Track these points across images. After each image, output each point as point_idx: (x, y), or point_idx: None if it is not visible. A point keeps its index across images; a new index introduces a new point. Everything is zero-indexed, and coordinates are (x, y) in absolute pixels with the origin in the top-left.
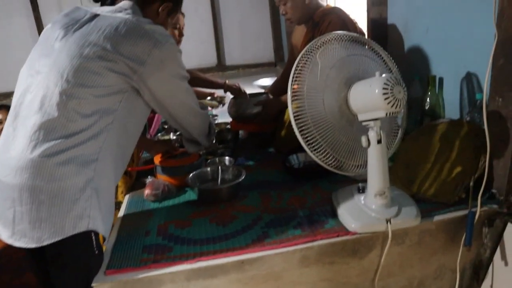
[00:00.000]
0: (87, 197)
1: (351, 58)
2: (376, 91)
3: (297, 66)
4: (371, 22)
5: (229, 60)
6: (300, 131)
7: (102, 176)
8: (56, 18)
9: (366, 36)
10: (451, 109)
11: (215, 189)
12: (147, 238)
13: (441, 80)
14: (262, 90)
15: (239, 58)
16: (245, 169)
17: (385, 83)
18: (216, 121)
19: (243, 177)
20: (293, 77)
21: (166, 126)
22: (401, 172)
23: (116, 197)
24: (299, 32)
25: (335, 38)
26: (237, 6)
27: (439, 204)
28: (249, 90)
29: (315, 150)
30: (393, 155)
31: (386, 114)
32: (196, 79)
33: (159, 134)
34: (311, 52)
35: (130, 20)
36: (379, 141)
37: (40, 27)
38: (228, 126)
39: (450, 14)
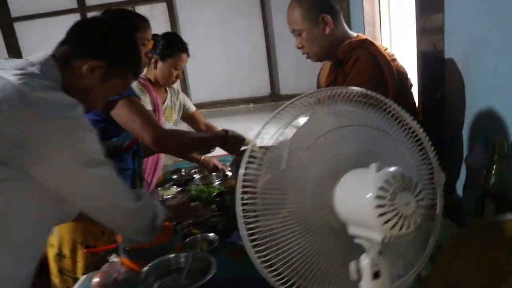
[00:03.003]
0: None
1: (345, 132)
2: (367, 197)
3: (253, 146)
4: (421, 56)
5: (284, 89)
6: (253, 244)
7: None
8: None
9: (416, 75)
10: None
11: None
12: None
13: None
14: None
15: (294, 87)
16: (235, 252)
17: (380, 188)
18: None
19: (209, 277)
20: (245, 166)
21: (174, 177)
22: None
23: (75, 272)
24: (327, 69)
25: (323, 97)
26: None
27: None
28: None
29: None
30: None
31: (384, 239)
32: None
33: (159, 188)
34: (275, 123)
35: (11, 85)
36: (376, 275)
37: None
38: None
39: None
